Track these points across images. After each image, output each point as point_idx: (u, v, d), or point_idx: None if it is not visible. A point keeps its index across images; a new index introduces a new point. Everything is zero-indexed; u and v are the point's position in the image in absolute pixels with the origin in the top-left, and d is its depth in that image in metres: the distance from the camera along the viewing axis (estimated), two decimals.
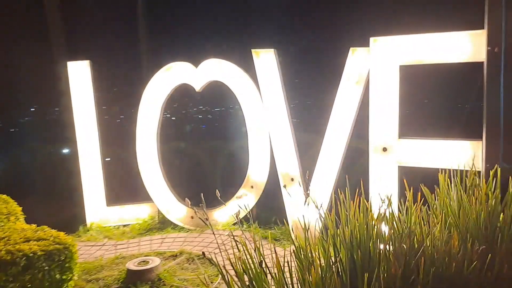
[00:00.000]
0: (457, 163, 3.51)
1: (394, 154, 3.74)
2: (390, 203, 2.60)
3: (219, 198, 2.74)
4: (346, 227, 2.39)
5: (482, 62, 3.33)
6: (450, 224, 2.47)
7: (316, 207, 2.64)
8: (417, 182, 3.06)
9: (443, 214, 2.39)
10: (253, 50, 4.36)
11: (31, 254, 2.95)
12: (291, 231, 4.42)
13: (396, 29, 3.61)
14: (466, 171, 3.07)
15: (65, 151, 5.75)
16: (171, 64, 4.83)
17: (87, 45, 5.53)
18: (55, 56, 5.67)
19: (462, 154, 3.52)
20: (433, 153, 3.62)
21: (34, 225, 3.56)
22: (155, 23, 5.63)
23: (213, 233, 2.88)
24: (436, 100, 4.26)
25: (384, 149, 3.77)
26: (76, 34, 5.68)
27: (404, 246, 2.16)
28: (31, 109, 6.38)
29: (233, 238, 2.51)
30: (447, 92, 4.12)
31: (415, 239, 2.22)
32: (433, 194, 3.02)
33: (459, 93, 4.03)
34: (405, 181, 2.91)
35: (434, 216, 2.42)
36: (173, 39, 5.47)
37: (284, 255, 2.47)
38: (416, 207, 2.49)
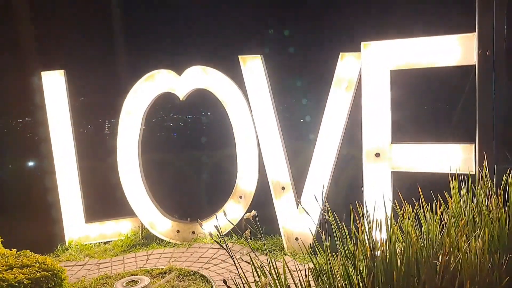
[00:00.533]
0: (449, 167, 3.52)
1: (387, 159, 3.70)
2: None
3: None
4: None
5: (474, 65, 3.35)
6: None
7: (330, 218, 2.42)
8: (410, 187, 3.02)
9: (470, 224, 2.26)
10: (239, 56, 4.26)
11: (16, 284, 2.72)
12: (284, 241, 4.31)
13: (386, 34, 3.59)
14: (459, 174, 3.06)
15: (41, 165, 5.45)
16: (153, 72, 4.67)
17: (61, 54, 5.29)
18: (27, 66, 5.39)
19: (454, 158, 3.51)
20: (426, 157, 3.59)
21: (14, 250, 3.31)
22: (135, 29, 5.43)
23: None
24: (427, 104, 4.27)
25: (377, 155, 3.73)
26: (50, 43, 5.42)
27: (438, 262, 1.95)
28: (3, 122, 6.04)
29: (242, 259, 2.34)
30: (439, 96, 4.14)
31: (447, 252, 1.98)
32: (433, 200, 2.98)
33: (450, 96, 4.05)
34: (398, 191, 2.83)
35: (452, 223, 2.23)
36: (154, 46, 5.28)
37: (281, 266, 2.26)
38: (428, 214, 2.40)
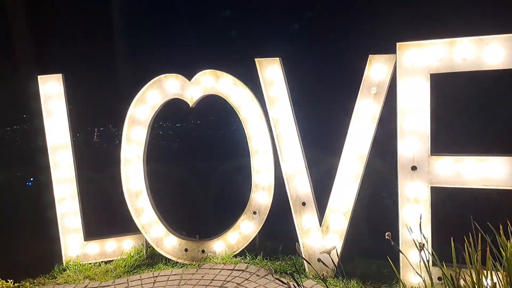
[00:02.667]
0: (497, 182, 3.13)
1: (425, 173, 3.29)
2: None
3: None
4: None
5: None
6: None
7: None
8: (451, 205, 2.62)
9: None
10: (256, 59, 3.85)
11: None
12: (305, 263, 3.88)
13: (422, 33, 3.20)
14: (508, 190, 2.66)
15: (36, 177, 4.99)
16: (159, 76, 4.25)
17: (60, 57, 4.86)
18: (23, 70, 4.95)
19: (502, 172, 3.11)
20: (470, 172, 3.19)
21: (10, 281, 2.86)
22: (141, 31, 5.01)
23: None
24: (472, 111, 3.86)
25: (414, 168, 3.32)
26: (48, 45, 4.99)
27: None
28: None
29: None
30: (485, 102, 3.74)
31: None
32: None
33: (498, 103, 3.65)
34: None
35: None
36: (160, 49, 4.86)
37: None
38: None
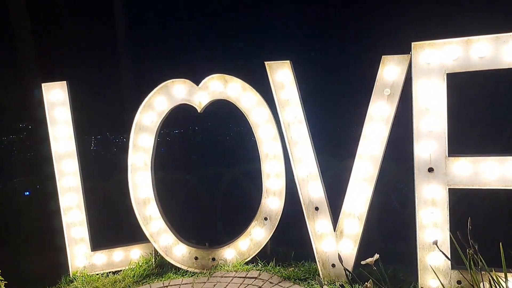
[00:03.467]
0: None
1: (443, 174, 3.20)
2: None
3: None
4: None
5: None
6: None
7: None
8: (469, 207, 2.52)
9: None
10: (266, 63, 3.75)
11: None
12: (319, 268, 3.75)
13: (438, 33, 3.12)
14: None
15: (42, 187, 4.85)
16: (167, 82, 4.15)
17: (64, 64, 4.75)
18: (28, 78, 4.83)
19: None
20: (489, 172, 3.10)
21: None
22: (147, 37, 4.90)
23: None
24: (489, 111, 3.77)
25: (431, 170, 3.22)
26: (52, 52, 4.88)
27: None
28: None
29: None
30: (503, 102, 3.65)
31: None
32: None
33: None
34: None
35: None
36: (167, 54, 4.75)
37: None
38: None
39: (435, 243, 2.59)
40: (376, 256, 2.16)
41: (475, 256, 2.51)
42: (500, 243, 2.41)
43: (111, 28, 4.96)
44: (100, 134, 5.43)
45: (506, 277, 2.42)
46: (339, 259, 2.50)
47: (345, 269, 2.40)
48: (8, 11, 4.76)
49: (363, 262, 2.25)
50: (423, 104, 3.20)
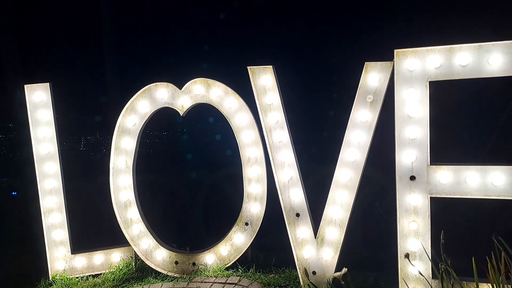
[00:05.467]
0: (498, 192, 2.84)
1: (424, 183, 2.99)
2: None
3: None
4: None
5: None
6: None
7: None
8: (452, 215, 2.33)
9: None
10: (248, 67, 3.52)
11: None
12: (300, 276, 3.52)
13: (420, 40, 2.91)
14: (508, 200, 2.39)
15: (22, 189, 4.55)
16: (150, 85, 3.89)
17: (47, 66, 4.45)
18: (9, 79, 4.52)
19: (504, 181, 2.83)
20: (471, 182, 2.90)
21: None
22: (129, 39, 4.64)
23: None
24: (472, 120, 3.58)
25: (412, 178, 3.01)
26: (35, 54, 4.59)
27: None
28: None
29: None
30: (485, 111, 3.46)
31: None
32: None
33: (498, 111, 3.38)
34: None
35: None
36: (150, 57, 4.49)
37: None
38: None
39: (407, 256, 2.40)
40: (344, 270, 1.94)
41: (448, 269, 2.35)
42: (473, 258, 2.25)
43: (96, 30, 4.69)
44: (89, 135, 5.15)
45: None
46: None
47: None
48: None
49: (332, 275, 2.05)
50: (406, 111, 2.99)
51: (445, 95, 3.05)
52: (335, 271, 3.40)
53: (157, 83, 3.89)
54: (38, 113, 4.06)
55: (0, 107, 4.45)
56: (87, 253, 4.14)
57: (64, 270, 4.11)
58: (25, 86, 4.06)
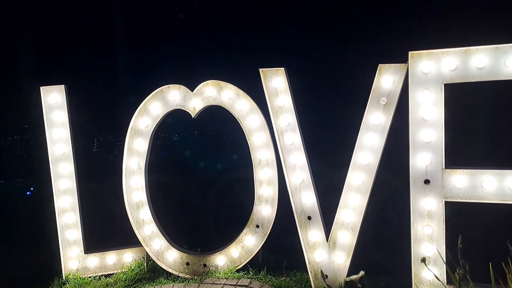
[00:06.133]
0: None
1: (439, 187, 2.89)
2: None
3: None
4: None
5: None
6: None
7: None
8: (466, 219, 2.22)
9: None
10: (260, 70, 3.46)
11: None
12: (311, 279, 3.43)
13: (436, 42, 2.81)
14: None
15: (38, 189, 4.54)
16: (162, 87, 3.85)
17: (62, 68, 4.45)
18: (26, 81, 4.52)
19: None
20: (487, 186, 2.79)
21: None
22: (142, 43, 4.61)
23: None
24: (488, 123, 3.46)
25: (427, 182, 2.91)
26: (50, 56, 4.58)
27: None
28: None
29: None
30: (502, 114, 3.34)
31: None
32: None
33: None
34: None
35: None
36: (163, 60, 4.46)
37: None
38: None
39: (423, 260, 2.29)
40: (362, 273, 1.85)
41: (465, 275, 2.24)
42: (490, 264, 2.14)
43: (109, 34, 4.67)
44: (102, 136, 5.13)
45: None
46: None
47: None
48: (8, 16, 4.47)
49: (347, 279, 1.95)
50: (420, 114, 2.89)
51: (461, 97, 2.94)
52: (348, 275, 3.31)
53: (169, 85, 3.85)
54: (53, 114, 4.06)
55: (17, 109, 4.45)
56: (99, 253, 4.12)
57: (77, 269, 4.09)
58: (41, 88, 4.07)
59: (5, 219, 4.62)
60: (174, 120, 3.94)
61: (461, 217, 2.88)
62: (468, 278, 2.29)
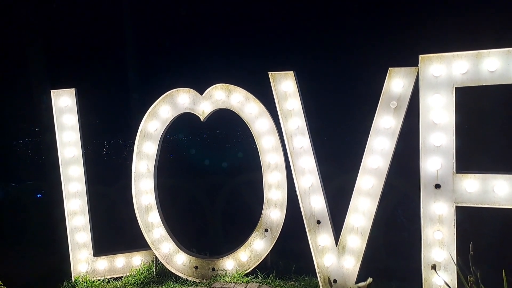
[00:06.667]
0: None
1: (450, 191, 2.90)
2: None
3: None
4: None
5: None
6: None
7: None
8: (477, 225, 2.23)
9: None
10: (269, 73, 3.50)
11: None
12: (320, 284, 3.45)
13: (446, 46, 2.83)
14: None
15: (47, 192, 4.63)
16: (172, 91, 3.91)
17: (72, 72, 4.54)
18: (36, 85, 4.61)
19: None
20: (498, 191, 2.79)
21: None
22: (152, 46, 4.68)
23: None
24: (500, 127, 3.46)
25: (437, 186, 2.92)
26: (61, 60, 4.68)
27: None
28: (7, 144, 5.23)
29: None
30: None
31: None
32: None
33: None
34: None
35: None
36: (173, 63, 4.52)
37: None
38: None
39: (434, 267, 2.30)
40: (369, 280, 1.87)
41: (477, 282, 2.24)
42: (503, 271, 2.14)
43: (119, 37, 4.75)
44: (112, 139, 5.21)
45: None
46: None
47: None
48: (19, 20, 4.57)
49: (354, 287, 1.98)
50: (431, 118, 2.91)
51: (472, 101, 2.95)
52: (357, 280, 3.33)
53: (178, 88, 3.91)
54: (63, 117, 4.13)
55: (27, 112, 4.54)
56: (109, 256, 4.18)
57: (87, 272, 4.15)
58: (52, 91, 4.14)
59: (16, 222, 4.71)
60: (183, 124, 3.99)
61: (472, 222, 2.88)
62: (480, 286, 2.30)
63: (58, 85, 4.15)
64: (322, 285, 3.46)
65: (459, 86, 2.82)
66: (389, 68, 3.08)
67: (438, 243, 2.97)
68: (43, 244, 4.35)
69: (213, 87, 3.81)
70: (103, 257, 4.18)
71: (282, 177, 3.70)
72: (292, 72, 3.47)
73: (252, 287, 3.65)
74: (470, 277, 2.34)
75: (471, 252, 2.35)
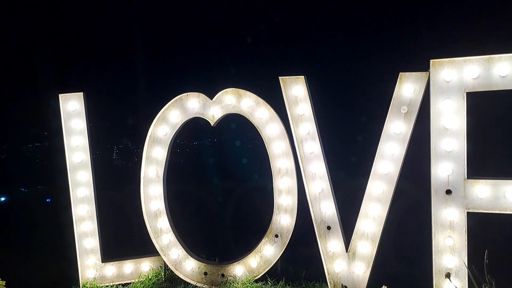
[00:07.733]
0: None
1: (461, 197, 3.01)
2: None
3: None
4: None
5: None
6: None
7: None
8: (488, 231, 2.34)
9: None
10: (280, 78, 3.64)
11: None
12: None
13: (457, 50, 2.96)
14: None
15: (55, 197, 4.80)
16: (181, 95, 4.07)
17: (81, 76, 4.72)
18: (45, 88, 4.80)
19: None
20: (510, 197, 2.90)
21: None
22: (162, 50, 4.86)
23: None
24: (511, 132, 3.58)
25: (448, 192, 3.04)
26: (69, 64, 4.87)
27: None
28: (15, 148, 5.44)
29: None
30: None
31: None
32: None
33: None
34: None
35: None
36: (183, 67, 4.69)
37: None
38: None
39: (448, 276, 2.41)
40: None
41: None
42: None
43: (128, 42, 4.93)
44: (121, 143, 5.39)
45: None
46: None
47: None
48: (27, 24, 4.77)
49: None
50: (442, 123, 3.03)
51: (483, 106, 3.07)
52: (368, 286, 3.45)
53: (188, 93, 4.06)
54: (71, 122, 4.29)
55: (35, 116, 4.72)
56: (117, 262, 4.32)
57: (95, 278, 4.30)
58: (60, 95, 4.30)
59: (24, 227, 4.88)
60: (193, 128, 4.14)
61: (483, 228, 2.99)
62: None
63: (67, 89, 4.33)
64: None
65: (471, 91, 2.95)
66: (400, 73, 3.21)
67: (449, 249, 3.08)
68: (51, 249, 4.51)
69: (223, 92, 3.96)
70: (112, 263, 4.33)
71: (292, 182, 3.83)
72: (303, 76, 3.61)
73: None
74: (485, 286, 2.42)
75: (486, 260, 2.44)
